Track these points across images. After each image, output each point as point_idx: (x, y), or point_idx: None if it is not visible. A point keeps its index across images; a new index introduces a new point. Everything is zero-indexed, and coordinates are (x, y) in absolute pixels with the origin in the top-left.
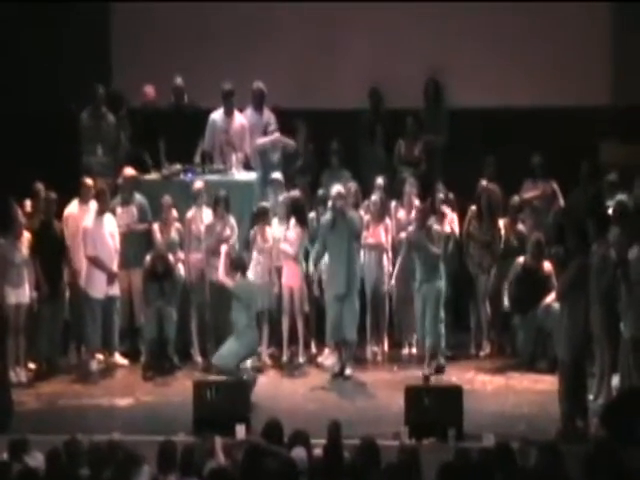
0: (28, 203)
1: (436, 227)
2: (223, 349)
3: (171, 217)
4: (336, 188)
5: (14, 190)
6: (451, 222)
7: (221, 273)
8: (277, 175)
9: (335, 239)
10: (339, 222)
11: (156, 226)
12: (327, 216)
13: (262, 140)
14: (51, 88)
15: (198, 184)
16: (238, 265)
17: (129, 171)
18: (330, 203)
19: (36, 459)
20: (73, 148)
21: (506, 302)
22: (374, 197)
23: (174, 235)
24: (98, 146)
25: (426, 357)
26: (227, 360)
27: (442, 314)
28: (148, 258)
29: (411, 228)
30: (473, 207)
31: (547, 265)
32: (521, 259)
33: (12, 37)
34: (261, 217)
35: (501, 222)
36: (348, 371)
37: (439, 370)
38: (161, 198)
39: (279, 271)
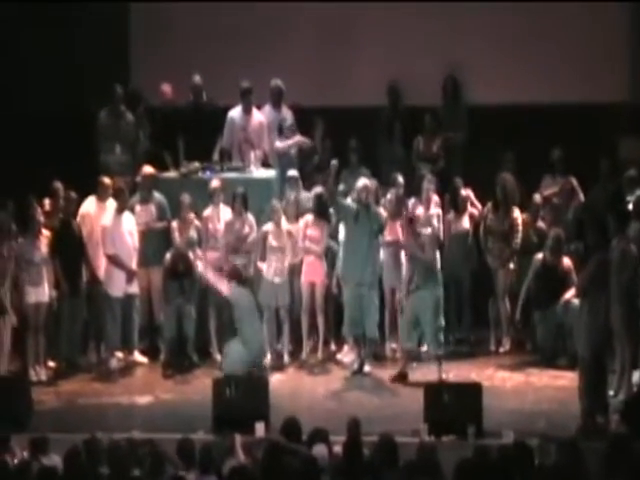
0: (47, 202)
1: (425, 232)
2: (233, 355)
3: (190, 215)
4: (362, 181)
5: (33, 189)
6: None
7: (211, 275)
8: (293, 172)
9: (357, 232)
10: (362, 216)
11: (175, 224)
12: (351, 209)
13: (282, 144)
14: (70, 87)
15: (215, 182)
16: (232, 275)
17: (148, 169)
18: (355, 195)
19: (52, 460)
20: (91, 147)
21: (522, 297)
22: (391, 194)
23: (193, 233)
24: (116, 145)
25: (404, 360)
26: (236, 367)
27: (442, 321)
28: (168, 256)
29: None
30: (489, 203)
31: (566, 261)
32: (540, 255)
33: (31, 36)
34: (273, 215)
35: (519, 216)
36: (367, 368)
37: (402, 377)
38: (180, 196)
39: (297, 268)
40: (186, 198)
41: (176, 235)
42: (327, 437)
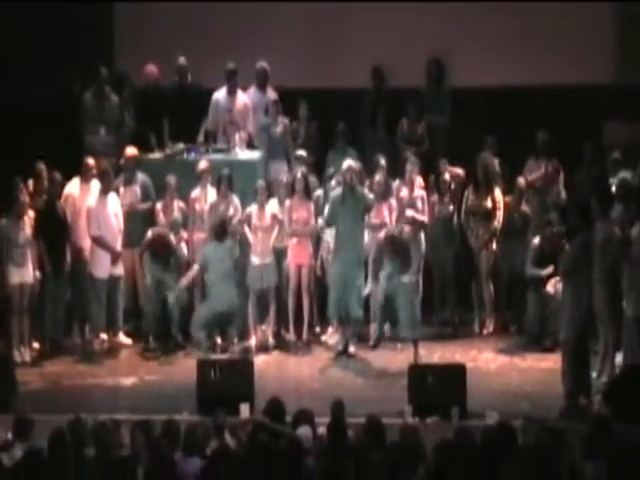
0: (30, 183)
1: (407, 229)
2: (195, 317)
3: (174, 196)
4: (347, 162)
5: (17, 170)
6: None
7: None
8: (302, 152)
9: (344, 214)
10: (348, 197)
11: (159, 205)
12: (337, 191)
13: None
14: (54, 69)
15: (203, 164)
16: (213, 230)
17: (131, 150)
18: (340, 177)
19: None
20: (76, 128)
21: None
22: (378, 177)
23: (177, 214)
24: (101, 126)
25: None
26: (194, 327)
27: (417, 306)
28: (149, 234)
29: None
30: (470, 185)
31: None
32: (536, 240)
33: (16, 18)
34: (259, 196)
35: (500, 196)
36: (352, 349)
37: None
38: (164, 177)
39: (284, 250)
40: (172, 180)
41: (160, 216)
42: (312, 418)
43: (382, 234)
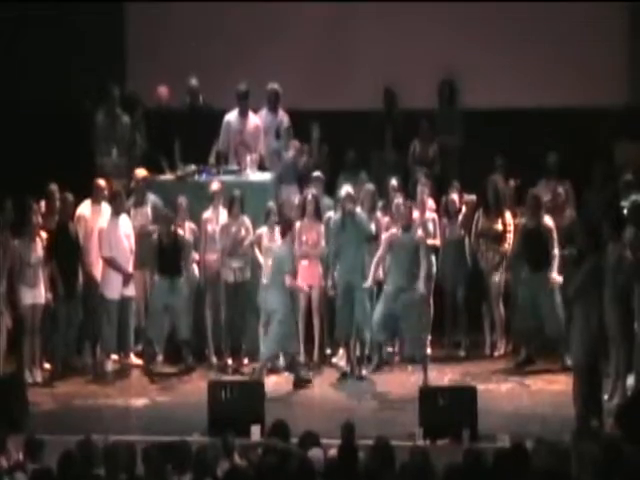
0: (43, 204)
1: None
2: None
3: (185, 218)
4: (345, 189)
5: (29, 191)
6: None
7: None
8: (319, 173)
9: (345, 240)
10: (348, 223)
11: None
12: (337, 217)
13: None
14: (66, 89)
15: (215, 185)
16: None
17: (141, 172)
18: (340, 204)
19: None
20: (88, 149)
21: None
22: (397, 200)
23: (188, 236)
24: (113, 147)
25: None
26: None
27: (425, 322)
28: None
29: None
30: (480, 208)
31: (547, 220)
32: (522, 220)
33: (27, 38)
34: (268, 218)
35: (510, 218)
36: (364, 371)
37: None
38: (176, 199)
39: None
40: (183, 201)
41: None
42: (318, 440)
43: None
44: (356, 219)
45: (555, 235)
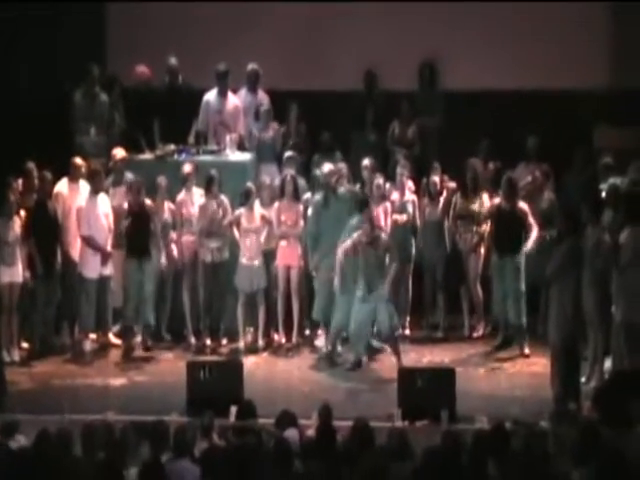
0: (20, 182)
1: (400, 218)
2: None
3: (165, 198)
4: (327, 166)
5: (6, 169)
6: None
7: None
8: (292, 153)
9: (328, 218)
10: (331, 201)
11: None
12: (318, 196)
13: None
14: (46, 69)
15: (187, 167)
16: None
17: (119, 152)
18: (322, 180)
19: (17, 441)
20: (67, 128)
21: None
22: (377, 180)
23: (167, 216)
24: (91, 126)
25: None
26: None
27: (395, 316)
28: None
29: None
30: (458, 190)
31: (522, 204)
32: (496, 200)
33: (7, 17)
34: (247, 198)
35: (488, 200)
36: (339, 348)
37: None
38: (155, 178)
39: (273, 252)
40: (162, 181)
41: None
42: (295, 420)
43: (349, 243)
44: (338, 195)
45: (531, 219)
